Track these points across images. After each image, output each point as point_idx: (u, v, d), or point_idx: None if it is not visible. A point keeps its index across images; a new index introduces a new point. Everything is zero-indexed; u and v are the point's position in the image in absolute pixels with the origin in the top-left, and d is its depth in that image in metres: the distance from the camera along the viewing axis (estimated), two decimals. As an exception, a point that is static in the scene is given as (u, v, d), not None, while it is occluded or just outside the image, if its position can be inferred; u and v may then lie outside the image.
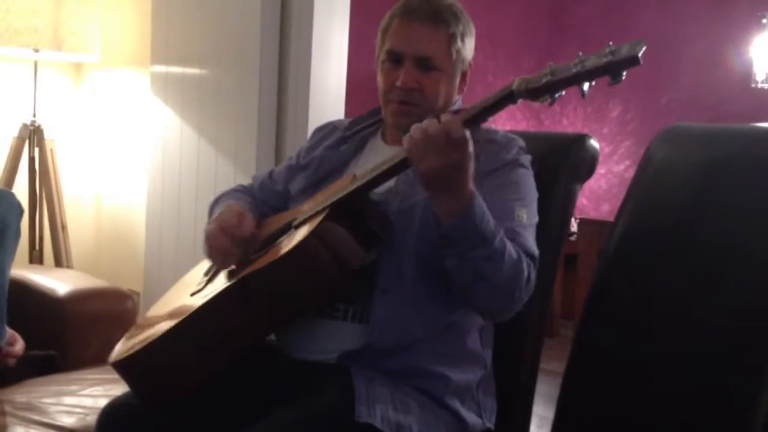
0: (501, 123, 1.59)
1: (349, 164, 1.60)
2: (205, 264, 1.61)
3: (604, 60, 1.10)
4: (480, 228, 1.28)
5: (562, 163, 1.60)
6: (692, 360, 1.33)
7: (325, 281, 1.33)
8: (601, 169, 4.92)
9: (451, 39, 1.49)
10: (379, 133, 1.62)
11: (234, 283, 1.37)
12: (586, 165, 1.62)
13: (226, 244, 1.46)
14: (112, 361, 1.45)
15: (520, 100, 1.22)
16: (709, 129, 1.54)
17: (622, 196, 1.55)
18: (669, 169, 1.48)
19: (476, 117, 1.27)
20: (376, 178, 1.35)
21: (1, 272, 1.90)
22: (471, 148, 1.24)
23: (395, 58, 1.50)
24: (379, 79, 1.54)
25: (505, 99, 1.23)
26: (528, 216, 1.42)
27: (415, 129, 1.25)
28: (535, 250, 1.40)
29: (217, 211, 1.58)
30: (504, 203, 1.40)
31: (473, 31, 1.55)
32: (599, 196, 5.10)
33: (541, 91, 1.18)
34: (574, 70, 1.13)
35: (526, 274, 1.34)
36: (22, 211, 1.97)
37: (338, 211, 1.35)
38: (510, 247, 1.33)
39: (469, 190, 1.28)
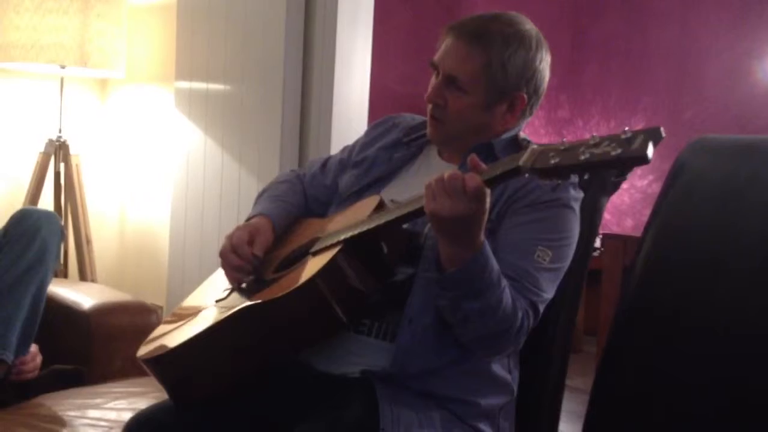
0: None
1: (399, 172, 1.58)
2: None
3: (613, 154, 1.01)
4: (477, 283, 1.27)
5: (590, 176, 1.58)
6: (724, 377, 1.31)
7: (332, 316, 1.33)
8: (624, 184, 4.89)
9: (487, 64, 1.43)
10: None
11: (244, 308, 1.38)
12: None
13: (233, 262, 1.48)
14: (140, 357, 1.48)
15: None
16: (740, 140, 1.52)
17: (645, 211, 1.54)
18: (700, 181, 1.45)
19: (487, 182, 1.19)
20: (396, 220, 1.33)
21: (40, 291, 1.95)
22: (487, 203, 1.21)
23: (435, 70, 1.49)
24: None
25: (512, 172, 1.16)
26: (552, 258, 1.37)
27: (437, 174, 1.22)
28: (542, 296, 1.36)
29: (254, 210, 1.61)
30: (528, 240, 1.38)
31: (534, 61, 1.46)
32: (622, 211, 5.07)
33: (547, 173, 1.10)
34: (582, 158, 1.05)
35: (517, 326, 1.32)
36: (63, 235, 2.02)
37: (354, 245, 1.35)
38: (508, 300, 1.30)
39: (477, 242, 1.25)
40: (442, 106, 1.47)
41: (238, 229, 1.53)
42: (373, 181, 1.57)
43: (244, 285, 1.50)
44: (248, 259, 1.48)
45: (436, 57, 1.49)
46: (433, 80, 1.50)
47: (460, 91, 1.45)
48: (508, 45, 1.44)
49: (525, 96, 1.47)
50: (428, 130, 1.53)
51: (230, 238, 1.51)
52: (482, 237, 1.26)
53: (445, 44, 1.48)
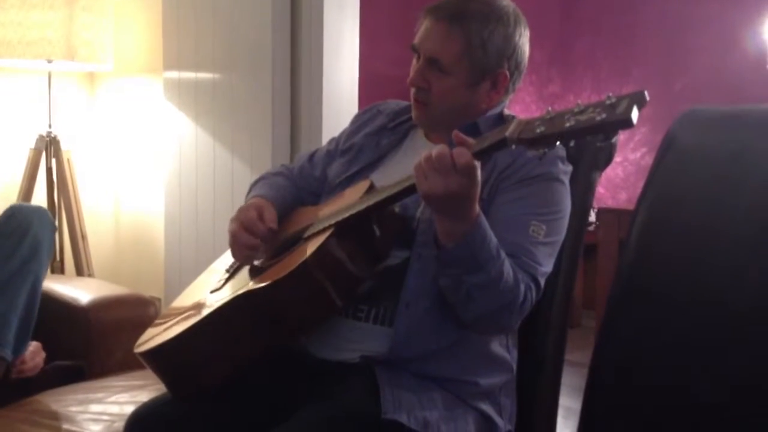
0: (510, 110, 1.57)
1: (387, 157, 1.58)
2: (224, 259, 1.64)
3: (598, 119, 1.03)
4: (478, 255, 1.27)
5: (581, 151, 1.58)
6: (722, 346, 1.31)
7: (327, 300, 1.33)
8: (617, 158, 4.89)
9: (467, 44, 1.44)
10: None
11: (237, 296, 1.39)
12: (605, 153, 1.60)
13: (247, 241, 1.46)
14: (137, 351, 1.48)
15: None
16: (730, 111, 1.51)
17: (639, 184, 1.54)
18: (691, 152, 1.45)
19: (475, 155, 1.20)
20: (386, 200, 1.33)
21: (35, 287, 1.94)
22: (478, 176, 1.22)
23: (416, 53, 1.49)
24: None
25: (499, 144, 1.17)
26: (547, 232, 1.38)
27: (425, 153, 1.23)
28: (541, 270, 1.37)
29: (252, 194, 1.61)
30: (521, 216, 1.38)
31: (513, 36, 1.47)
32: (616, 184, 5.07)
33: (533, 142, 1.11)
34: (567, 125, 1.06)
35: (520, 299, 1.32)
36: (55, 229, 2.01)
37: (346, 228, 1.35)
38: (509, 272, 1.30)
39: (473, 215, 1.26)
40: (426, 89, 1.48)
41: (243, 209, 1.52)
42: (362, 167, 1.57)
43: (257, 263, 1.49)
44: (263, 234, 1.47)
45: (416, 40, 1.49)
46: (414, 63, 1.50)
47: (443, 73, 1.45)
48: (486, 23, 1.44)
49: (507, 72, 1.48)
50: (413, 114, 1.53)
51: (238, 219, 1.49)
52: (477, 209, 1.26)
53: (424, 27, 1.48)
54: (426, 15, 1.49)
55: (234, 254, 1.52)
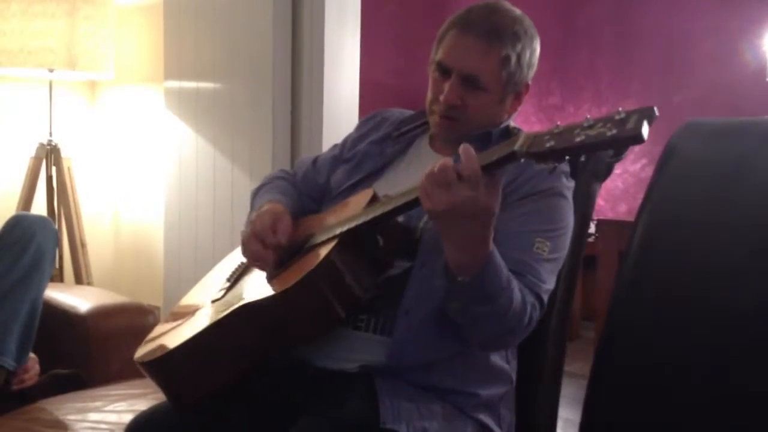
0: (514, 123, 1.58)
1: (391, 166, 1.57)
2: (230, 260, 1.63)
3: (608, 135, 1.01)
4: (488, 289, 1.24)
5: (582, 162, 1.57)
6: (722, 357, 1.31)
7: (330, 313, 1.32)
8: (617, 170, 4.89)
9: (504, 61, 1.43)
10: (428, 135, 1.58)
11: (238, 308, 1.38)
12: (605, 165, 1.61)
13: (257, 250, 1.44)
14: (137, 360, 1.48)
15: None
16: (729, 122, 1.52)
17: (639, 195, 1.54)
18: (691, 164, 1.45)
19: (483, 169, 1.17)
20: (392, 211, 1.31)
21: (37, 297, 1.94)
22: (484, 190, 1.16)
23: (444, 70, 1.46)
24: (429, 86, 1.50)
25: (507, 158, 1.14)
26: (551, 249, 1.37)
27: (427, 171, 1.20)
28: (545, 287, 1.36)
29: (258, 203, 1.58)
30: (526, 233, 1.37)
31: (536, 49, 1.49)
32: (616, 196, 5.08)
33: (543, 157, 1.09)
34: (577, 140, 1.04)
35: (526, 320, 1.32)
36: (57, 239, 2.01)
37: (350, 239, 1.34)
38: (517, 298, 1.28)
39: (486, 250, 1.22)
40: (460, 106, 1.46)
41: (260, 215, 1.48)
42: (366, 175, 1.56)
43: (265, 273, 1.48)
44: (275, 247, 1.43)
45: (444, 57, 1.46)
46: (436, 78, 1.48)
47: (480, 90, 1.44)
48: (518, 38, 1.45)
49: (529, 83, 1.51)
50: (438, 130, 1.51)
51: (253, 224, 1.46)
52: (491, 244, 1.22)
53: (453, 43, 1.45)
54: (456, 30, 1.46)
55: (248, 262, 1.51)
